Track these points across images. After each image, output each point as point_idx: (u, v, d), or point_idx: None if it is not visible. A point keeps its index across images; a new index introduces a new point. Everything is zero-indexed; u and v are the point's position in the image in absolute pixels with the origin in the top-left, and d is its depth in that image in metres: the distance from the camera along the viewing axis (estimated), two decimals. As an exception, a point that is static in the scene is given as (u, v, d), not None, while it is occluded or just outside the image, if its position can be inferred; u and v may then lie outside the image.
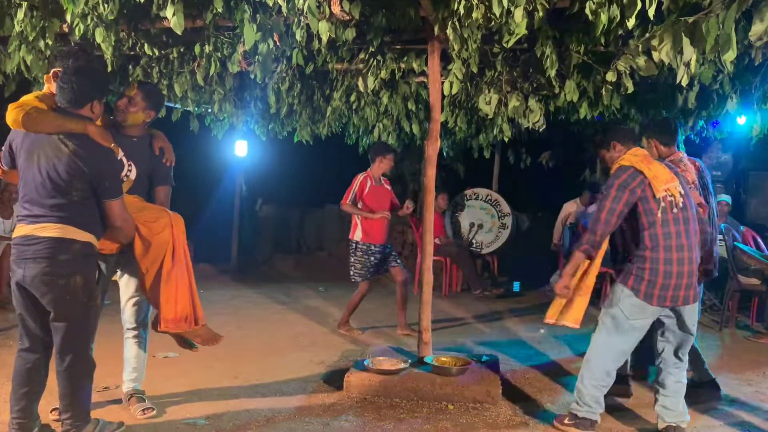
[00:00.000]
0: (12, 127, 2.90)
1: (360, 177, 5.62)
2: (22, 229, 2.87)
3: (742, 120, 6.57)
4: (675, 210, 3.25)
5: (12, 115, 2.85)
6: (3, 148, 3.00)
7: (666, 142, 4.06)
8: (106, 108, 3.19)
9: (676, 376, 3.45)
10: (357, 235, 5.56)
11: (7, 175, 3.11)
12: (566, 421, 3.47)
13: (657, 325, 3.49)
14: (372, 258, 5.52)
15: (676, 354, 3.47)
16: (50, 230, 2.84)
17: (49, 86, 3.08)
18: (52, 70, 3.11)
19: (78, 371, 2.98)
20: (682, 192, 3.32)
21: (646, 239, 3.25)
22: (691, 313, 3.38)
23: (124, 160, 3.17)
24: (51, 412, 3.29)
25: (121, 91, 3.49)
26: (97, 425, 3.08)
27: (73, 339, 2.95)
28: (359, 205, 5.54)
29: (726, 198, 7.50)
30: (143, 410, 3.45)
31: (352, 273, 5.58)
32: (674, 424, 3.39)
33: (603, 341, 3.42)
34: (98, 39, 3.64)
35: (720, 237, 6.56)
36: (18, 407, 2.94)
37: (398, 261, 5.69)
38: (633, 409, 3.87)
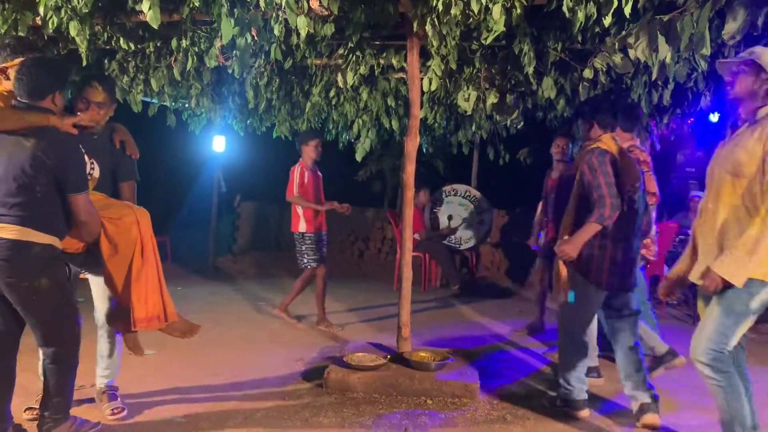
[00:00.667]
0: (35, 124, 2.77)
1: (297, 168, 5.65)
2: None
3: (715, 117, 6.68)
4: (631, 203, 3.52)
5: None
6: None
7: (628, 128, 4.17)
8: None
9: (630, 357, 3.60)
10: (302, 226, 5.59)
11: None
12: (557, 403, 3.70)
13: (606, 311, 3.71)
14: (320, 244, 5.63)
15: (627, 337, 3.63)
16: (8, 231, 2.74)
17: (2, 83, 2.97)
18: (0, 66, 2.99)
19: (60, 367, 2.96)
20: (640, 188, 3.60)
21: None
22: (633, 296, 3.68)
23: (86, 158, 3.09)
24: (25, 411, 3.25)
25: (82, 96, 3.28)
26: (74, 423, 3.05)
27: (52, 335, 2.93)
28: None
29: (699, 194, 7.63)
30: (113, 410, 3.39)
31: (305, 261, 5.59)
32: (643, 401, 3.53)
33: (568, 320, 3.67)
34: (72, 32, 3.57)
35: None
36: None
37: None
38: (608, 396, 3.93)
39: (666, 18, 2.67)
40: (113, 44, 4.25)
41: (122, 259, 3.11)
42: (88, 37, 3.69)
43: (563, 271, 3.60)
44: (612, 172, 3.46)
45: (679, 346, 5.40)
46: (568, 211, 3.65)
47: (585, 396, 3.67)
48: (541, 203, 5.67)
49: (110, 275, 3.13)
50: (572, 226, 3.58)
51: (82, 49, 3.80)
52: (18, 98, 2.86)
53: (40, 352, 3.04)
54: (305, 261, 5.62)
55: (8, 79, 2.92)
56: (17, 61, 2.92)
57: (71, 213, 2.89)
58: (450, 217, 8.72)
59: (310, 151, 5.69)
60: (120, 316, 3.20)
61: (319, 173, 5.82)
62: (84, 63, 3.93)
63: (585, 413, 3.64)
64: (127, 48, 4.23)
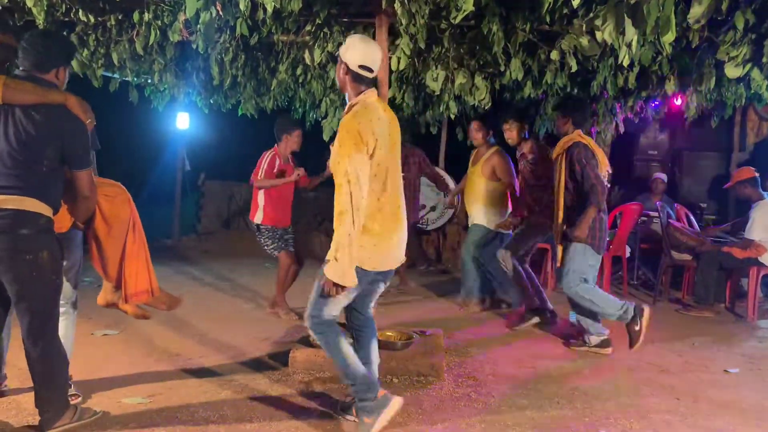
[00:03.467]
0: (46, 100, 2.71)
1: (268, 154, 5.29)
2: None
3: (678, 101, 6.80)
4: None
5: (9, 92, 2.68)
6: None
7: (579, 122, 4.58)
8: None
9: None
10: (258, 217, 5.24)
11: None
12: (590, 343, 4.60)
13: None
14: (279, 235, 5.27)
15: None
16: (14, 202, 2.72)
17: None
18: None
19: (54, 355, 2.89)
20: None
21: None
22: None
23: None
24: None
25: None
26: (75, 411, 2.98)
27: (45, 321, 2.86)
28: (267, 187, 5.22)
29: (661, 176, 7.78)
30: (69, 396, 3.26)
31: (269, 251, 5.30)
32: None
33: (572, 288, 4.45)
34: (29, 3, 3.45)
35: (655, 213, 6.83)
36: None
37: (293, 247, 5.39)
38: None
39: (633, 1, 2.68)
40: (72, 16, 4.11)
41: (118, 236, 3.12)
42: (45, 8, 3.57)
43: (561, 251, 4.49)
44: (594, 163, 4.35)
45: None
46: (557, 196, 4.49)
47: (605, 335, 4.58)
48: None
49: (104, 253, 3.12)
50: (566, 210, 4.48)
51: (40, 20, 3.67)
52: (22, 68, 2.81)
53: (26, 346, 2.90)
54: (268, 251, 5.33)
55: None
56: None
57: (72, 188, 2.87)
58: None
59: (291, 142, 5.33)
60: (108, 293, 3.21)
61: (293, 165, 5.41)
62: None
63: (610, 350, 4.54)
64: (87, 20, 4.10)
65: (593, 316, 4.55)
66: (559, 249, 4.55)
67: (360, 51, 2.90)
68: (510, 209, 5.53)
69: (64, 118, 2.80)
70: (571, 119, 4.50)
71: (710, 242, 6.11)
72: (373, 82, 3.04)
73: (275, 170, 5.27)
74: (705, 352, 4.72)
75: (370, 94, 2.96)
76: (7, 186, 2.72)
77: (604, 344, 4.58)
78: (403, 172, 5.38)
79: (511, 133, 5.32)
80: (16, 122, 2.72)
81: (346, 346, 3.03)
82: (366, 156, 2.81)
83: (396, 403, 3.01)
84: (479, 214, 5.56)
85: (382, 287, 3.18)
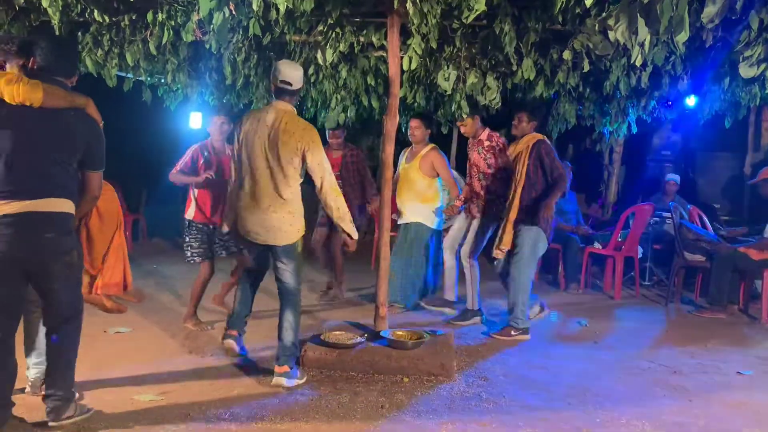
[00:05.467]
0: (29, 103, 2.73)
1: (194, 147, 4.86)
2: (16, 206, 2.72)
3: (691, 101, 6.75)
4: None
5: (30, 92, 2.71)
6: None
7: (538, 125, 5.10)
8: None
9: None
10: (190, 212, 4.86)
11: None
12: (512, 333, 4.79)
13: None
14: (208, 237, 4.84)
15: None
16: (52, 205, 2.81)
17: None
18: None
19: (71, 348, 3.01)
20: None
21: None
22: None
23: None
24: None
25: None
26: (76, 408, 3.03)
27: (72, 314, 2.97)
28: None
29: (674, 177, 7.73)
30: None
31: (188, 255, 4.86)
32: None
33: (522, 272, 4.80)
34: (44, 3, 3.48)
35: (668, 214, 6.80)
36: None
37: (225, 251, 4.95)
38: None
39: (646, 0, 2.67)
40: (87, 16, 4.14)
41: (107, 231, 3.26)
42: (60, 8, 3.60)
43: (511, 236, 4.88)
44: None
45: (652, 326, 5.52)
46: (517, 186, 4.88)
47: (529, 325, 4.88)
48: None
49: (94, 246, 3.23)
50: (528, 200, 4.85)
51: (55, 21, 3.71)
52: (45, 72, 2.86)
53: (42, 335, 3.07)
54: (188, 252, 4.84)
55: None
56: None
57: (87, 187, 2.99)
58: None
59: (216, 128, 4.88)
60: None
61: (226, 157, 4.78)
62: (57, 33, 3.84)
63: (527, 337, 4.81)
64: (101, 20, 4.13)
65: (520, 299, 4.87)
66: (508, 234, 4.87)
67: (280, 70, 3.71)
68: (442, 203, 5.66)
69: (88, 122, 2.92)
70: (535, 123, 5.03)
71: (725, 244, 6.07)
72: (291, 93, 3.76)
73: (200, 163, 4.80)
74: (718, 353, 4.69)
75: (275, 103, 3.77)
76: (45, 189, 2.80)
77: (526, 331, 4.86)
78: (340, 172, 5.70)
79: (464, 127, 5.40)
80: (50, 126, 2.80)
81: None
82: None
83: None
84: (416, 212, 5.56)
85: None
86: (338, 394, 3.56)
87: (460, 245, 5.38)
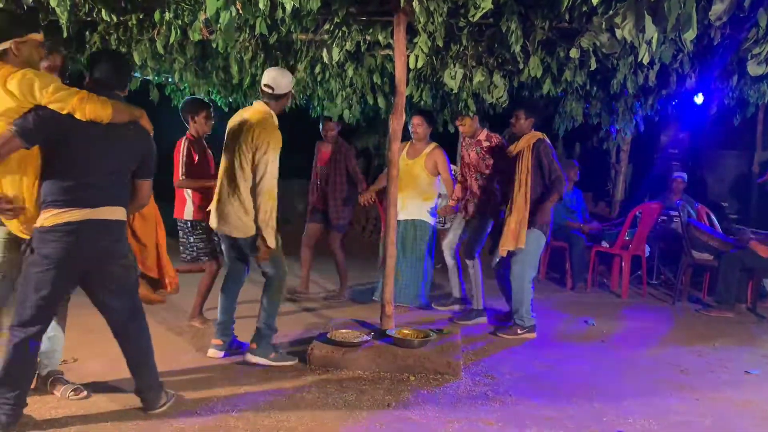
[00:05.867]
0: (101, 120, 2.82)
1: (184, 145, 4.80)
2: (77, 214, 2.83)
3: (699, 99, 6.72)
4: None
5: (101, 109, 2.80)
6: (30, 125, 2.72)
7: (537, 122, 5.05)
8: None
9: None
10: (188, 212, 4.79)
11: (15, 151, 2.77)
12: (519, 331, 4.81)
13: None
14: (213, 234, 4.70)
15: None
16: (120, 213, 2.98)
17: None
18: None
19: (144, 343, 3.19)
20: None
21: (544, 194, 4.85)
22: None
23: None
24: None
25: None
26: (167, 395, 3.24)
27: (133, 313, 3.12)
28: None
29: (682, 175, 7.70)
30: (74, 391, 3.30)
31: (195, 254, 4.81)
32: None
33: (527, 271, 4.83)
34: (52, 3, 3.49)
35: (675, 213, 6.77)
36: (18, 393, 2.87)
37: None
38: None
39: (653, -2, 2.66)
40: (95, 16, 4.16)
41: (150, 230, 3.45)
42: (68, 8, 3.60)
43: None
44: None
45: (660, 325, 5.51)
46: (521, 187, 4.80)
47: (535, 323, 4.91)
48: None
49: (143, 244, 3.42)
50: (530, 197, 4.81)
51: (63, 20, 3.71)
52: (103, 87, 2.95)
53: (124, 333, 3.15)
54: (195, 253, 4.80)
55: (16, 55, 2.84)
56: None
57: (137, 195, 3.14)
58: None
59: (199, 124, 4.83)
60: (144, 288, 3.44)
61: (209, 151, 4.95)
62: (64, 35, 3.86)
63: (533, 335, 4.85)
64: (109, 20, 4.14)
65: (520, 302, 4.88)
66: (522, 234, 4.76)
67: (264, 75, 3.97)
68: (437, 200, 5.73)
69: (143, 134, 3.07)
70: (533, 120, 4.98)
71: (734, 243, 6.04)
72: (272, 97, 3.94)
73: (196, 162, 4.79)
74: (726, 352, 4.67)
75: (255, 102, 4.01)
76: (104, 198, 2.92)
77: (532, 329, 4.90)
78: (329, 166, 5.88)
79: (463, 127, 5.44)
80: (114, 140, 2.92)
81: None
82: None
83: None
84: (419, 209, 5.60)
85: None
86: (344, 392, 3.57)
87: (458, 245, 5.51)
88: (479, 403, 3.49)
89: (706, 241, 6.14)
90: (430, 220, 5.67)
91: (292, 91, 4.05)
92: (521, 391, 3.71)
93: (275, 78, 3.91)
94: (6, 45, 2.76)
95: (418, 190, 5.57)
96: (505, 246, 4.85)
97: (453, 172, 5.86)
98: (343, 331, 4.25)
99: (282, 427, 3.09)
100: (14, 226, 2.90)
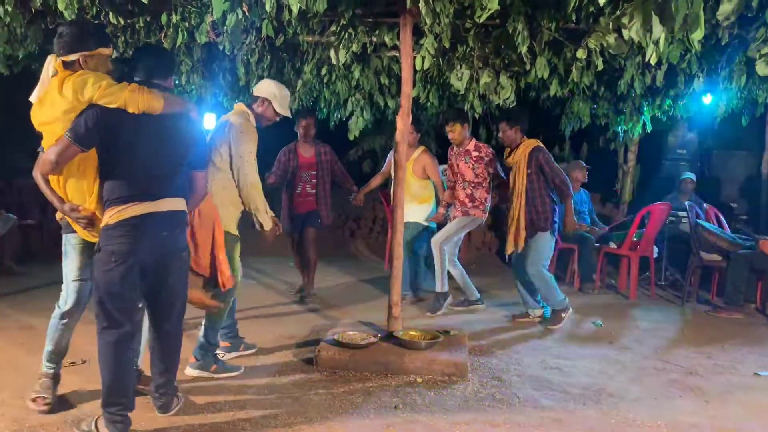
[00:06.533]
0: (153, 112, 2.81)
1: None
2: (138, 208, 2.81)
3: (707, 99, 6.68)
4: None
5: (153, 101, 2.80)
6: (83, 128, 2.71)
7: (525, 128, 5.14)
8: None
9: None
10: None
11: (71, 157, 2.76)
12: (563, 315, 5.19)
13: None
14: None
15: None
16: (179, 204, 2.97)
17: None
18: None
19: (180, 343, 3.19)
20: None
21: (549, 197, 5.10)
22: None
23: None
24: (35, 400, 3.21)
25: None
26: (179, 399, 3.24)
27: (182, 310, 3.14)
28: None
29: (690, 176, 7.66)
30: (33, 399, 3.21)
31: None
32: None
33: (543, 269, 5.13)
34: (60, 6, 3.51)
35: (683, 214, 6.73)
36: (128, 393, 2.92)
37: None
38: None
39: (660, -2, 2.64)
40: (102, 19, 4.18)
41: (207, 227, 3.47)
42: (76, 11, 3.63)
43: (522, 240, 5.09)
44: None
45: (668, 326, 5.48)
46: (519, 194, 5.02)
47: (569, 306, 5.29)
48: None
49: (197, 242, 3.42)
50: (531, 205, 5.03)
51: (70, 23, 3.73)
52: (152, 79, 2.94)
53: (166, 330, 3.12)
54: None
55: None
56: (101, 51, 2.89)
57: (196, 187, 3.13)
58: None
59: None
60: (197, 290, 3.46)
61: None
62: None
63: (570, 310, 5.26)
64: (116, 23, 4.17)
65: (534, 294, 5.33)
66: (521, 238, 5.08)
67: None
68: (434, 203, 5.86)
69: (194, 124, 3.06)
70: (519, 128, 5.10)
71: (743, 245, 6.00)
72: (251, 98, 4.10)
73: None
74: (735, 354, 4.64)
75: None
76: (164, 190, 2.92)
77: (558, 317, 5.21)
78: (317, 169, 5.80)
79: (452, 134, 5.51)
80: (167, 131, 2.90)
81: None
82: None
83: None
84: (412, 213, 5.67)
85: None
86: (352, 394, 3.57)
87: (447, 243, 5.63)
88: (487, 405, 3.48)
89: (714, 241, 6.11)
90: (424, 222, 5.83)
91: (274, 103, 4.03)
92: (529, 392, 3.70)
93: (260, 83, 4.12)
94: (74, 57, 2.80)
95: (409, 194, 5.58)
96: (510, 250, 5.22)
97: (443, 173, 5.88)
98: (350, 332, 4.25)
99: (290, 429, 3.09)
100: (83, 231, 2.95)
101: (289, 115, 4.24)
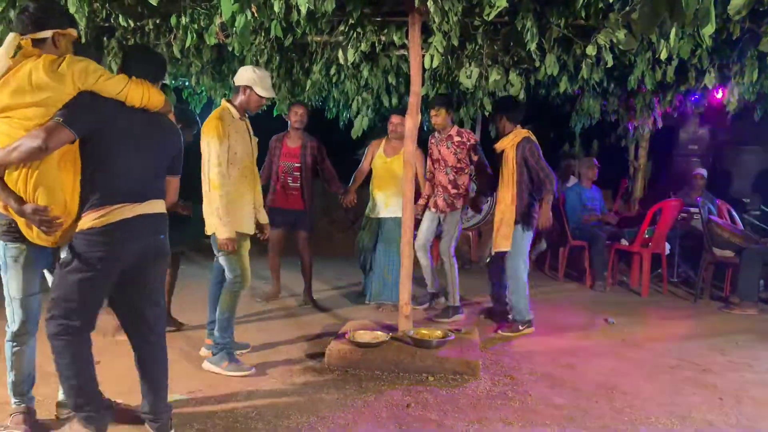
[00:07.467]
0: (152, 107, 2.73)
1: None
2: (133, 209, 2.66)
3: (719, 94, 6.63)
4: None
5: (156, 94, 2.74)
6: (75, 112, 2.50)
7: (514, 118, 4.93)
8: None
9: None
10: None
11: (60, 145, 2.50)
12: (520, 327, 4.88)
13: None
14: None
15: None
16: (160, 206, 2.84)
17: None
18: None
19: (166, 357, 2.98)
20: None
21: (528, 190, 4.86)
22: None
23: None
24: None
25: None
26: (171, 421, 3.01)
27: (163, 322, 3.00)
28: None
29: (702, 171, 7.61)
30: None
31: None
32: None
33: (520, 268, 4.87)
34: (71, 9, 3.54)
35: (695, 210, 6.69)
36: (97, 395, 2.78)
37: None
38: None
39: (670, -7, 2.63)
40: (112, 21, 4.22)
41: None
42: (86, 14, 3.66)
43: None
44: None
45: (681, 323, 5.45)
46: (507, 185, 4.82)
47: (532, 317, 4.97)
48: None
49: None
50: (517, 198, 4.80)
51: (81, 26, 3.77)
52: (144, 78, 2.78)
53: (151, 341, 2.92)
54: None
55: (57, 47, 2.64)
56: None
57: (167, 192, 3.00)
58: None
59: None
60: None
61: None
62: (83, 41, 3.90)
63: (532, 330, 4.93)
64: (126, 25, 4.19)
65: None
66: (508, 237, 4.85)
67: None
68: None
69: (176, 128, 2.98)
70: (506, 117, 4.90)
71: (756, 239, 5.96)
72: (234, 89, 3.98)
73: None
74: (749, 350, 4.61)
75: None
76: (157, 191, 2.84)
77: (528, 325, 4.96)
78: (300, 161, 5.49)
79: (437, 118, 5.35)
80: (156, 130, 2.82)
81: None
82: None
83: None
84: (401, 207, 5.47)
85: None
86: (364, 393, 3.57)
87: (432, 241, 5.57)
88: (499, 404, 3.47)
89: (727, 237, 6.06)
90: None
91: (255, 88, 3.87)
92: (541, 390, 3.69)
93: (238, 72, 4.00)
94: (47, 34, 2.55)
95: (399, 187, 5.44)
96: (498, 248, 4.91)
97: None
98: (362, 331, 4.26)
99: (302, 428, 3.10)
100: (35, 236, 2.59)
101: (274, 95, 4.19)
